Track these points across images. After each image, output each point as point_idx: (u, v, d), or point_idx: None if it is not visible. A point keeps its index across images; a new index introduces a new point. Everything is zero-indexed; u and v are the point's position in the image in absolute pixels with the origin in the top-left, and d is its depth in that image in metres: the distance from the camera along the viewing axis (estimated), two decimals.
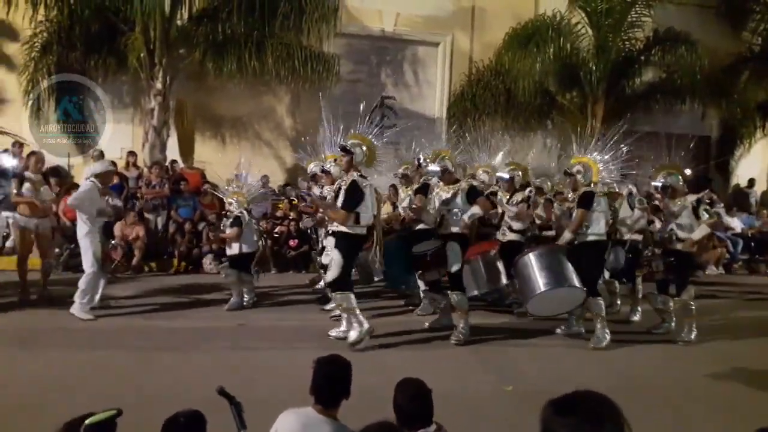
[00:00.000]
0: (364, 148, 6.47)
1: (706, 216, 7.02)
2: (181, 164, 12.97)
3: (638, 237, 7.85)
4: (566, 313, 7.11)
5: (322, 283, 8.26)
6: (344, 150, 6.39)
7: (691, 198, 7.07)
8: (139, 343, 6.25)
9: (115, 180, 11.29)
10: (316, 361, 3.01)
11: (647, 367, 6.30)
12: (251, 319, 7.48)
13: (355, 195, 6.21)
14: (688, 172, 7.39)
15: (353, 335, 6.23)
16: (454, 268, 6.65)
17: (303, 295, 8.93)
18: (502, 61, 14.55)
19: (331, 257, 6.41)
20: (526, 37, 14.08)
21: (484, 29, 15.20)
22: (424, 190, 7.17)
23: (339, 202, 6.31)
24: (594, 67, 14.17)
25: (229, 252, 8.10)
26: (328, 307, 7.63)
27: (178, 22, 12.23)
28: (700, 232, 6.96)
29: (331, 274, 6.33)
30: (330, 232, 6.73)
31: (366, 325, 6.22)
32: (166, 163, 12.31)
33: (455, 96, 15.11)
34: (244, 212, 8.06)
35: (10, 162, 11.36)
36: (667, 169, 7.24)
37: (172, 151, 13.04)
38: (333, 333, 6.63)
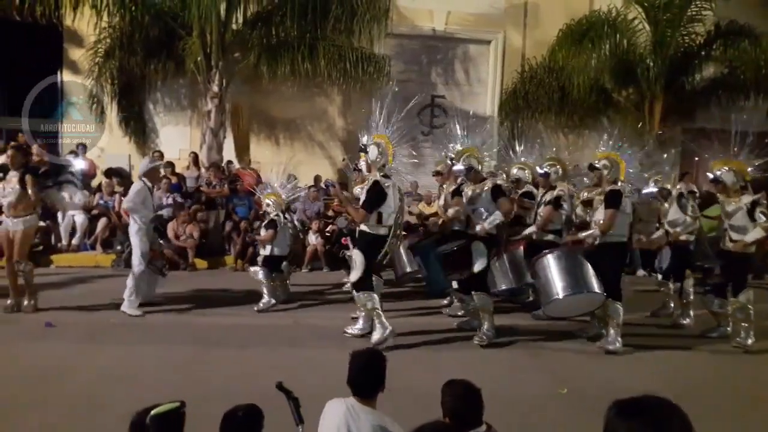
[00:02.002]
0: (380, 147, 6.40)
1: (763, 219, 6.59)
2: (236, 165, 13.29)
3: (688, 238, 7.58)
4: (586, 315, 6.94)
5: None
6: (362, 150, 6.50)
7: (747, 199, 6.69)
8: (197, 339, 6.44)
9: (174, 180, 11.70)
10: (351, 354, 3.11)
11: (704, 372, 6.09)
12: (304, 316, 7.60)
13: (376, 195, 6.27)
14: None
15: (376, 336, 6.25)
16: (478, 268, 6.52)
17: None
18: (555, 58, 14.31)
19: (352, 257, 6.45)
20: (580, 33, 13.83)
21: (537, 26, 15.00)
22: (460, 192, 7.11)
23: (361, 201, 6.40)
24: (651, 64, 13.77)
25: (262, 252, 8.24)
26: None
27: (234, 26, 12.52)
28: (754, 235, 6.59)
29: (354, 275, 6.37)
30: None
31: (389, 327, 6.26)
32: (223, 164, 12.62)
33: (507, 94, 14.95)
34: (281, 215, 8.13)
35: (78, 164, 11.91)
36: (727, 164, 6.85)
37: (228, 152, 13.39)
38: (350, 331, 6.68)
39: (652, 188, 7.94)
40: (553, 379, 5.60)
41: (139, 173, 7.83)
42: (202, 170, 12.28)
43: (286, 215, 8.39)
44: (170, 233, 10.76)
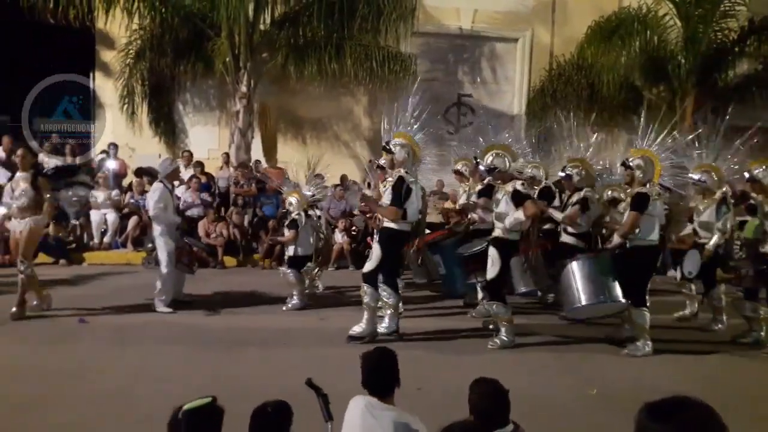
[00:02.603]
0: (406, 147, 6.40)
1: None
2: (264, 164, 13.41)
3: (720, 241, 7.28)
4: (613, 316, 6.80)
5: None
6: (385, 149, 6.48)
7: None
8: (225, 337, 6.49)
9: (203, 179, 11.87)
10: (361, 356, 3.09)
11: (736, 376, 5.93)
12: (331, 315, 7.62)
13: (402, 191, 6.26)
14: None
15: (358, 330, 6.30)
16: (490, 275, 6.36)
17: None
18: (584, 55, 14.17)
19: (373, 250, 6.49)
20: (609, 30, 13.66)
21: (566, 23, 14.86)
22: (488, 191, 6.99)
23: (386, 199, 6.39)
24: (683, 60, 13.57)
25: (286, 253, 8.26)
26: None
27: (261, 27, 12.64)
28: None
29: (368, 266, 6.41)
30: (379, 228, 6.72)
31: (374, 329, 6.30)
32: (251, 164, 12.74)
33: (535, 92, 14.84)
34: (302, 214, 8.08)
35: (110, 164, 12.16)
36: (764, 162, 6.61)
37: (256, 152, 13.51)
38: (378, 329, 6.55)
39: (695, 176, 7.32)
40: (579, 381, 5.53)
41: (160, 176, 7.91)
42: (231, 170, 12.42)
43: (309, 213, 8.33)
44: (201, 231, 10.92)
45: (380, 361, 3.05)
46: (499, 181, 6.60)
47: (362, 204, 8.66)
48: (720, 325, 7.38)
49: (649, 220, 6.19)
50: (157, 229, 7.60)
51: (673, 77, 13.80)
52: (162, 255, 7.55)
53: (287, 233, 8.10)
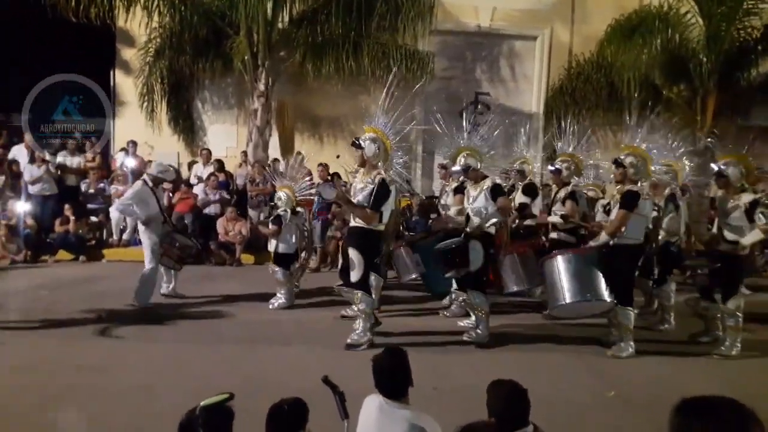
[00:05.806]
0: (377, 141, 6.26)
1: (763, 220, 6.10)
2: (282, 162, 13.43)
3: (669, 239, 7.18)
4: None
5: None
6: (355, 145, 6.35)
7: (747, 198, 6.22)
8: (241, 334, 6.55)
9: (221, 177, 11.96)
10: (372, 359, 3.06)
11: (755, 379, 5.79)
12: (345, 312, 7.62)
13: (385, 194, 6.15)
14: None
15: (355, 338, 6.18)
16: (474, 267, 6.38)
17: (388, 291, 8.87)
18: (604, 53, 13.99)
19: (351, 257, 6.24)
20: (630, 28, 13.46)
21: (585, 21, 14.71)
22: (462, 189, 7.04)
23: (360, 199, 6.21)
24: (704, 59, 13.33)
25: (270, 248, 8.21)
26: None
27: (280, 25, 12.67)
28: (752, 237, 6.13)
29: (355, 274, 6.17)
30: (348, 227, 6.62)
31: (370, 336, 6.20)
32: (269, 162, 12.78)
33: (554, 90, 14.71)
34: (288, 211, 7.98)
35: (129, 161, 12.28)
36: (732, 157, 6.42)
37: (274, 150, 13.55)
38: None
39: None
40: (598, 382, 5.50)
41: (147, 172, 7.96)
42: (249, 168, 12.49)
43: (298, 210, 8.18)
44: (219, 229, 11.01)
45: (390, 363, 3.03)
46: (471, 180, 6.68)
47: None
48: (667, 325, 7.26)
49: (637, 219, 6.11)
50: (141, 226, 7.64)
51: (694, 76, 13.56)
52: (146, 251, 7.54)
53: (270, 227, 8.12)
